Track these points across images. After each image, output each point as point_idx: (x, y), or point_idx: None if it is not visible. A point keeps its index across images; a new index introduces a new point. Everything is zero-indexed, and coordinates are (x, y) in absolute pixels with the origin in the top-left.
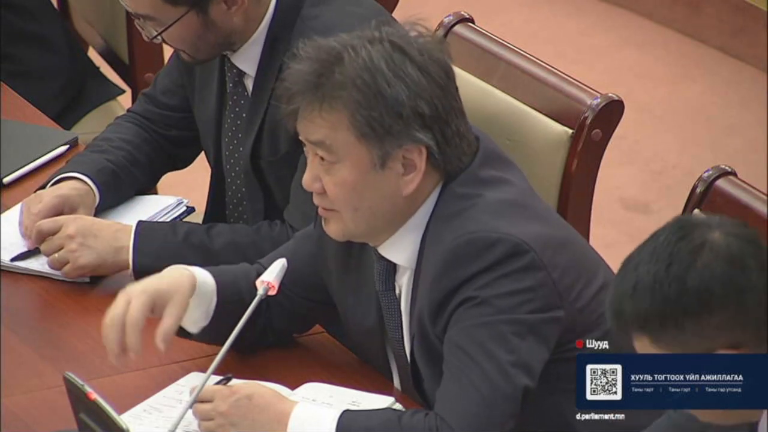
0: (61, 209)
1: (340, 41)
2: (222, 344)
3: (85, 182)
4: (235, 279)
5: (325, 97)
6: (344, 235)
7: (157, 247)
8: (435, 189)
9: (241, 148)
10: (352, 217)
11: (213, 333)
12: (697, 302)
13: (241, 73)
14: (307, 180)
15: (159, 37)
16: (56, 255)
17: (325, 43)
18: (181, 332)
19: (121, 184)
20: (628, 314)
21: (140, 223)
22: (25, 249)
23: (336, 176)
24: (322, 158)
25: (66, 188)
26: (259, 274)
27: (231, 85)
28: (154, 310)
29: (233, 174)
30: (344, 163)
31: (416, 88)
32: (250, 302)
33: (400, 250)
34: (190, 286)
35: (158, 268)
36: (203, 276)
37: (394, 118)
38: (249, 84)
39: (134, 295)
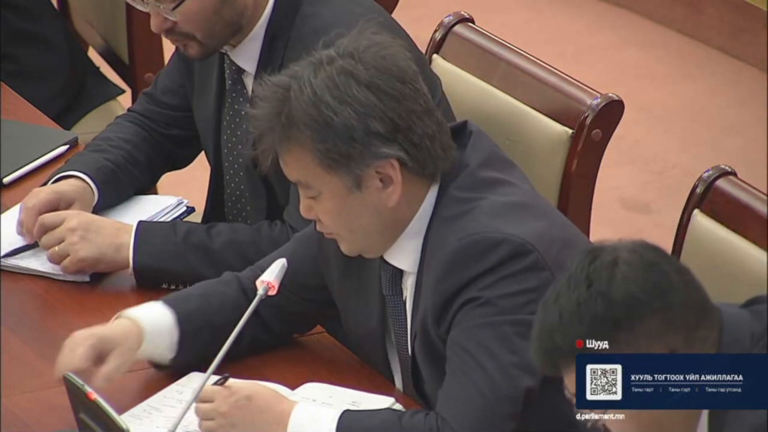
0: (57, 205)
1: (290, 74)
2: (205, 366)
3: (84, 180)
4: (202, 304)
5: (282, 140)
6: (353, 252)
7: (157, 247)
8: (428, 193)
9: (239, 146)
10: (350, 238)
11: (187, 360)
12: (626, 312)
13: (240, 71)
14: (303, 211)
15: (175, 14)
16: (56, 248)
17: (276, 81)
18: (158, 366)
19: (120, 182)
20: (560, 346)
21: (141, 222)
22: (22, 245)
23: (321, 207)
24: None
25: (64, 185)
26: (241, 281)
27: (230, 82)
28: (100, 356)
29: (232, 171)
30: (324, 195)
31: (364, 109)
32: (223, 323)
33: (404, 255)
34: (136, 338)
35: (158, 268)
36: (156, 317)
37: (349, 144)
38: (248, 81)
39: (78, 342)
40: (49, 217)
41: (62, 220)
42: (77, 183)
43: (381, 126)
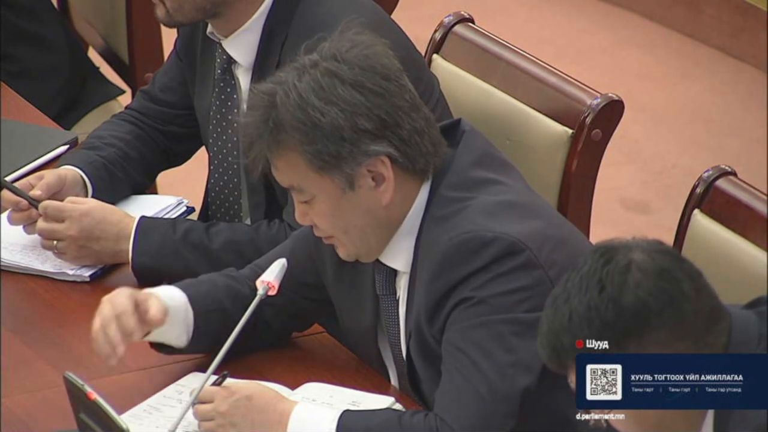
0: (60, 189)
1: (274, 81)
2: (213, 351)
3: (78, 173)
4: (211, 289)
5: (271, 146)
6: (351, 257)
7: (155, 245)
8: (420, 191)
9: (224, 136)
10: (346, 240)
11: (201, 344)
12: (636, 321)
13: (231, 61)
14: (299, 217)
15: None
16: (55, 243)
17: (261, 89)
18: (170, 349)
19: (114, 178)
20: (568, 347)
21: (142, 219)
22: (25, 245)
23: (316, 210)
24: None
25: (65, 170)
26: (236, 277)
27: (219, 71)
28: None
29: (216, 162)
30: (318, 198)
31: (351, 107)
32: (233, 308)
33: (397, 255)
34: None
35: (156, 267)
36: (169, 292)
37: (338, 144)
38: (238, 72)
39: (114, 294)
40: (53, 209)
41: (64, 218)
42: (74, 175)
43: (368, 123)
